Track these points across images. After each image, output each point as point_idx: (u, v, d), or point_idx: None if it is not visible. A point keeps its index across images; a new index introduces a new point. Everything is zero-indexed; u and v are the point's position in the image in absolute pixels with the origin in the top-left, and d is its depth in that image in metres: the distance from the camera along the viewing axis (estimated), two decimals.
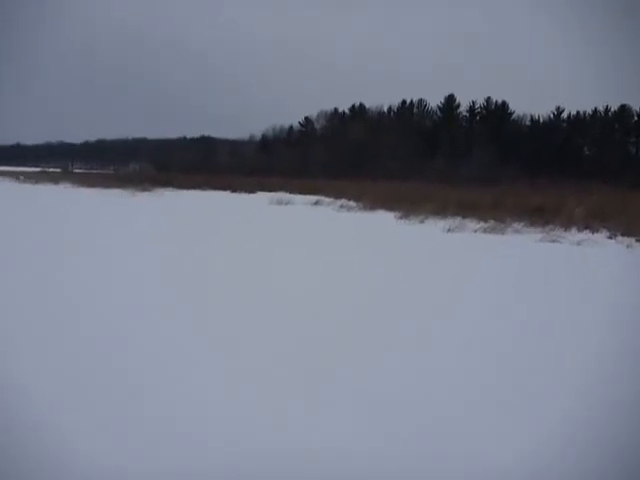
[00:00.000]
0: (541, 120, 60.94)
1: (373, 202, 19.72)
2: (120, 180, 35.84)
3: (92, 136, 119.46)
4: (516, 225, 13.84)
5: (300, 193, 26.40)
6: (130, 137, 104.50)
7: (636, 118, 56.80)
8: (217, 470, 2.87)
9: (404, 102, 66.80)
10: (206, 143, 78.73)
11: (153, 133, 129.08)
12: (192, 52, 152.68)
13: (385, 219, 16.37)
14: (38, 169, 70.91)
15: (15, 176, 43.62)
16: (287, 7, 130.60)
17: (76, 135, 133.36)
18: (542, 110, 61.88)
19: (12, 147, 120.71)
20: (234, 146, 71.85)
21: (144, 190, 28.74)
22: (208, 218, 15.99)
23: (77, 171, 73.15)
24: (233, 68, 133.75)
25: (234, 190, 30.24)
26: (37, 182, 37.40)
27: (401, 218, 16.03)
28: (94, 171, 76.12)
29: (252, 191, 29.47)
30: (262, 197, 25.45)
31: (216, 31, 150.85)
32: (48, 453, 2.97)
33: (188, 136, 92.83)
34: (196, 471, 2.84)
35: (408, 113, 66.57)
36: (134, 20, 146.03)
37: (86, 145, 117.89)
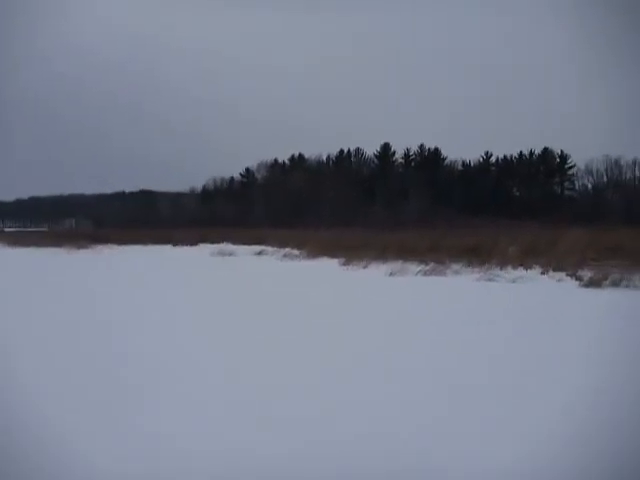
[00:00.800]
0: (472, 164, 64.23)
1: (316, 250, 19.90)
2: (55, 238, 34.59)
3: (24, 194, 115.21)
4: (455, 266, 14.27)
5: (243, 244, 26.32)
6: (66, 193, 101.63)
7: (558, 160, 60.80)
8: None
9: (342, 151, 68.88)
10: (146, 197, 77.74)
11: (90, 189, 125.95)
12: (126, 103, 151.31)
13: (329, 266, 16.51)
14: None
15: None
16: (225, 57, 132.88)
17: (6, 193, 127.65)
18: (472, 155, 65.37)
19: None
20: (175, 199, 71.35)
21: (81, 247, 27.82)
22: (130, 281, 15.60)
23: (8, 230, 70.20)
24: (169, 120, 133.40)
25: (175, 244, 29.74)
26: None
27: (344, 264, 16.22)
28: (27, 229, 73.32)
29: (194, 244, 29.10)
30: (204, 249, 25.16)
31: (149, 81, 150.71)
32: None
33: (127, 190, 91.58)
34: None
35: (346, 162, 68.55)
36: (66, 70, 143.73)
37: (18, 203, 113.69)
